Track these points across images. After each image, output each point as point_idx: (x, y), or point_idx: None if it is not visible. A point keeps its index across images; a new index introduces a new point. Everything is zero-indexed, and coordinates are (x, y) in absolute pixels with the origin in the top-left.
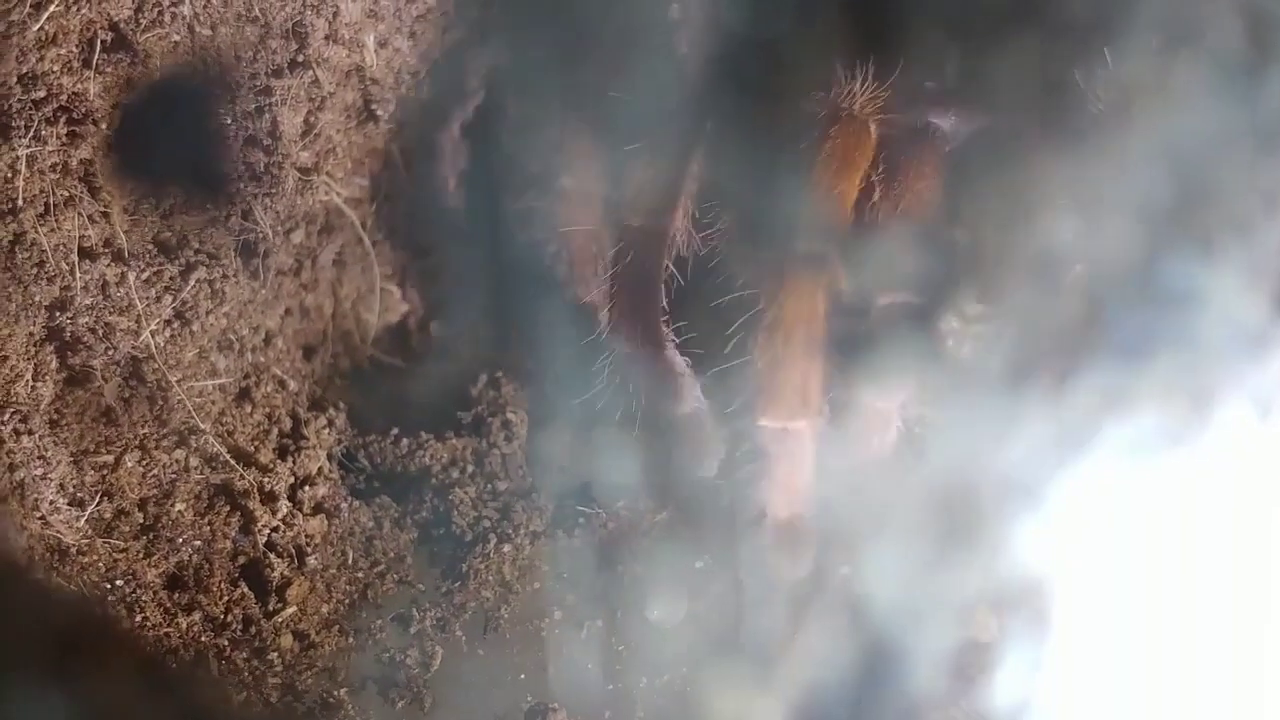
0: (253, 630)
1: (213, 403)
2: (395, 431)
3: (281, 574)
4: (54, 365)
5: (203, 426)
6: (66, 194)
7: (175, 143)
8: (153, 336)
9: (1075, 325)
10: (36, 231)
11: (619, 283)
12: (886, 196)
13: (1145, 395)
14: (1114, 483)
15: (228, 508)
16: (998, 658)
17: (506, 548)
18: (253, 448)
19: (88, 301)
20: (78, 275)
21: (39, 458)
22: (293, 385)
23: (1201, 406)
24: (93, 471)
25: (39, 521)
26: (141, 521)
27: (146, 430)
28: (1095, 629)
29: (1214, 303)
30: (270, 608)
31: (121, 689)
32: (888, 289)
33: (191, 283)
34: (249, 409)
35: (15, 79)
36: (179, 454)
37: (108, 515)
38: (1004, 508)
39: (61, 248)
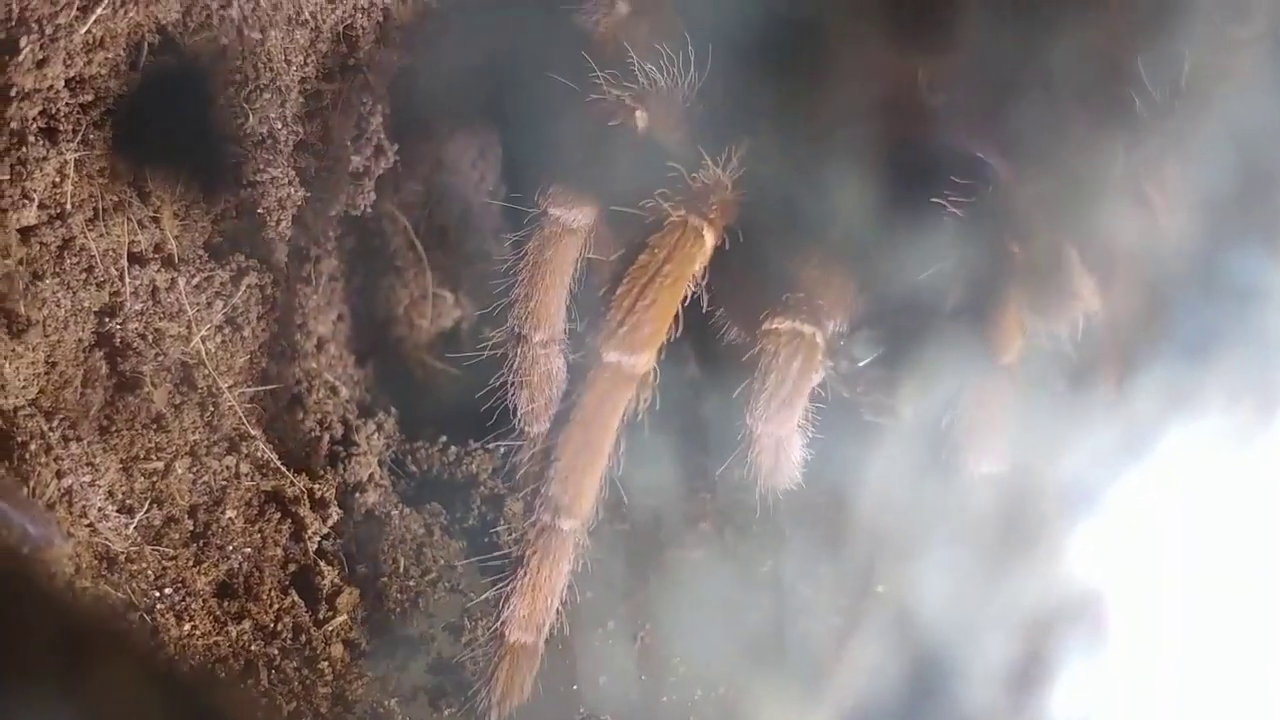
0: (303, 639)
1: (264, 409)
2: (444, 439)
3: (332, 582)
4: (104, 371)
5: (254, 433)
6: (116, 199)
7: (226, 147)
8: (203, 342)
9: (1137, 323)
10: (85, 236)
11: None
12: None
13: (1210, 395)
14: (1178, 488)
15: (278, 515)
16: (1055, 671)
17: None
18: (304, 454)
19: (137, 307)
20: (127, 280)
21: (87, 464)
22: (344, 392)
23: (1269, 406)
24: (142, 478)
25: (87, 528)
26: (191, 529)
27: (197, 436)
28: (1156, 642)
29: None
30: (321, 616)
31: (169, 699)
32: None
33: (243, 288)
34: (300, 415)
35: (63, 83)
36: (230, 460)
37: (157, 522)
38: (1063, 515)
39: (111, 253)
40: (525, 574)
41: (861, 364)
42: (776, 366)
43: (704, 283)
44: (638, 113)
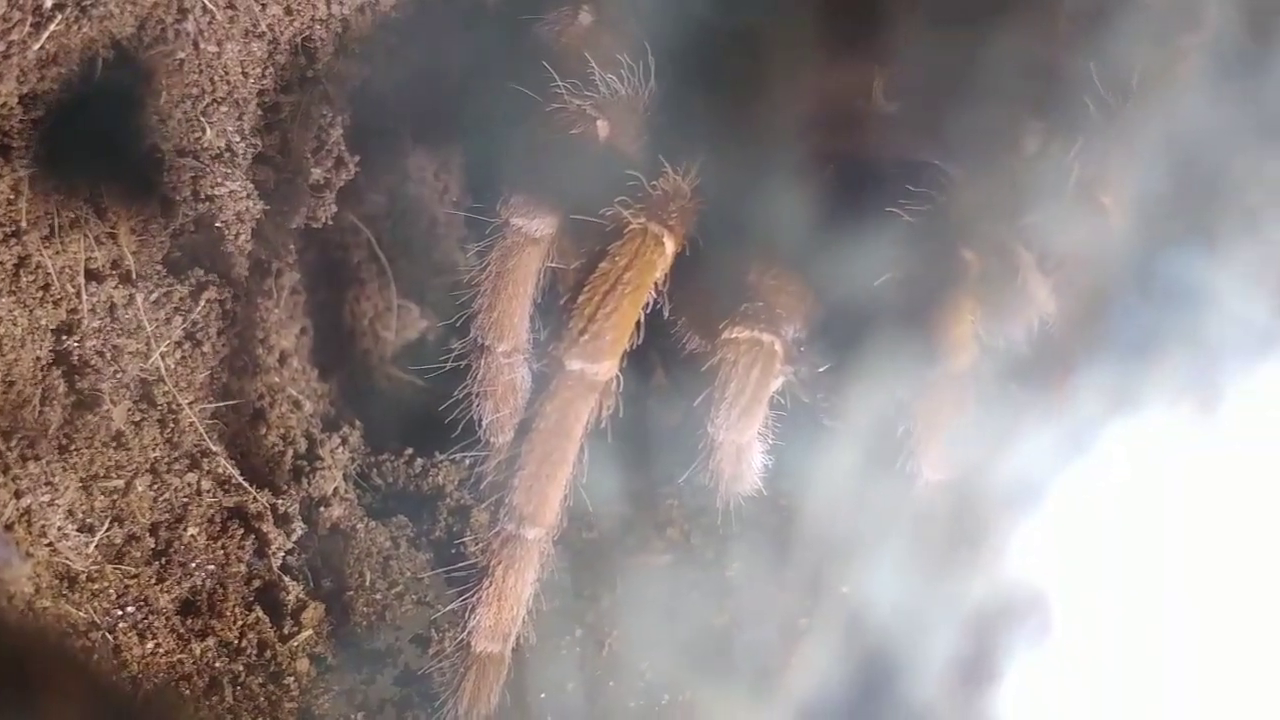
0: (268, 655)
1: (226, 425)
2: (409, 451)
3: (297, 597)
4: (62, 389)
5: (215, 449)
6: (72, 215)
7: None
8: (163, 359)
9: (1078, 324)
10: (41, 254)
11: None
12: None
13: (1151, 395)
14: (1120, 485)
15: (241, 531)
16: (1003, 667)
17: None
18: (267, 469)
19: (95, 324)
20: (85, 298)
21: (46, 483)
22: (308, 406)
23: (1209, 406)
24: (103, 496)
25: (47, 548)
26: (153, 546)
27: (158, 454)
28: (1101, 636)
29: (1220, 299)
30: (286, 631)
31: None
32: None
33: (202, 303)
34: (263, 430)
35: (16, 99)
36: (191, 477)
37: (118, 540)
38: (1007, 513)
39: (68, 270)
40: (491, 584)
41: (820, 370)
42: (736, 375)
43: (665, 290)
44: (599, 122)
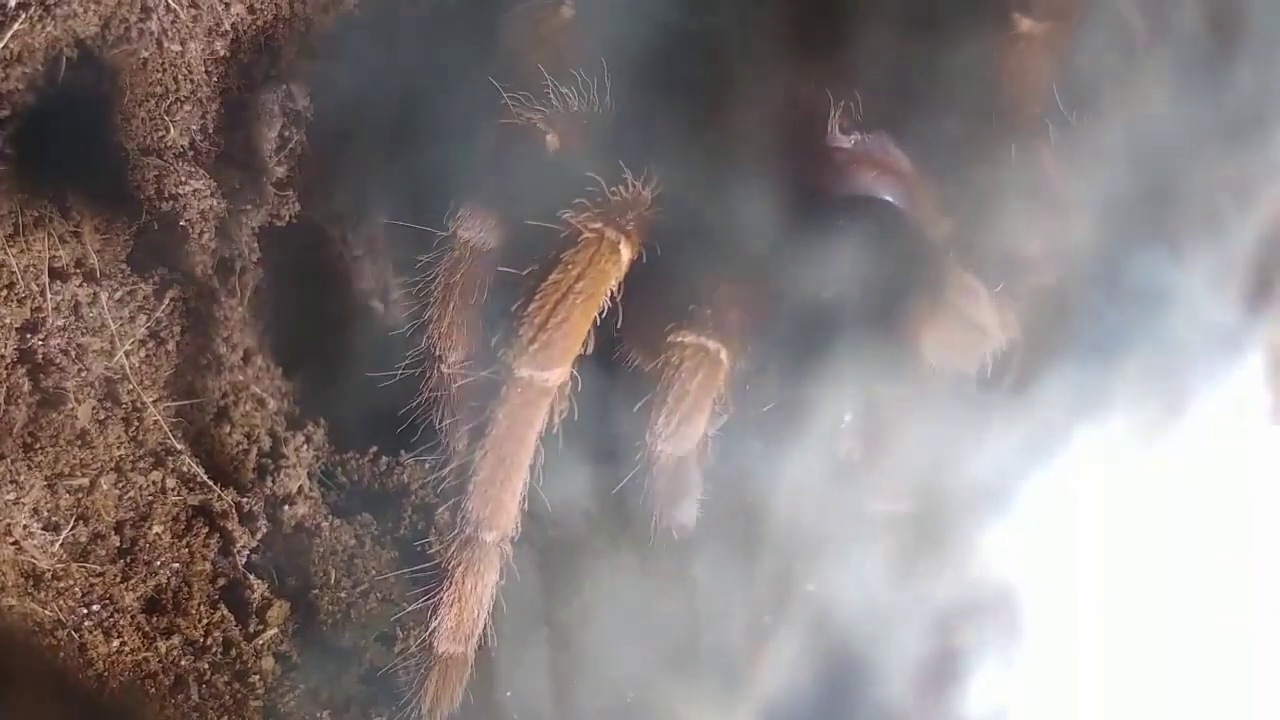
0: (233, 653)
1: (190, 423)
2: (374, 449)
3: (262, 595)
4: (26, 388)
5: (179, 447)
6: (36, 214)
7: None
8: (127, 357)
9: (1042, 326)
10: (6, 253)
11: None
12: None
13: (1116, 397)
14: (1085, 487)
15: (206, 529)
16: (969, 667)
17: None
18: (231, 467)
19: (59, 323)
20: (49, 296)
21: (11, 482)
22: (272, 404)
23: (1173, 408)
24: (68, 495)
25: (12, 546)
26: (118, 545)
27: (122, 452)
28: (1068, 635)
29: (1184, 301)
30: (251, 630)
31: (98, 716)
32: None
33: (166, 302)
34: (227, 429)
35: None
36: (156, 475)
37: (83, 539)
38: (972, 514)
39: (32, 269)
40: (451, 586)
41: (767, 387)
42: (679, 379)
43: (619, 299)
44: (549, 136)
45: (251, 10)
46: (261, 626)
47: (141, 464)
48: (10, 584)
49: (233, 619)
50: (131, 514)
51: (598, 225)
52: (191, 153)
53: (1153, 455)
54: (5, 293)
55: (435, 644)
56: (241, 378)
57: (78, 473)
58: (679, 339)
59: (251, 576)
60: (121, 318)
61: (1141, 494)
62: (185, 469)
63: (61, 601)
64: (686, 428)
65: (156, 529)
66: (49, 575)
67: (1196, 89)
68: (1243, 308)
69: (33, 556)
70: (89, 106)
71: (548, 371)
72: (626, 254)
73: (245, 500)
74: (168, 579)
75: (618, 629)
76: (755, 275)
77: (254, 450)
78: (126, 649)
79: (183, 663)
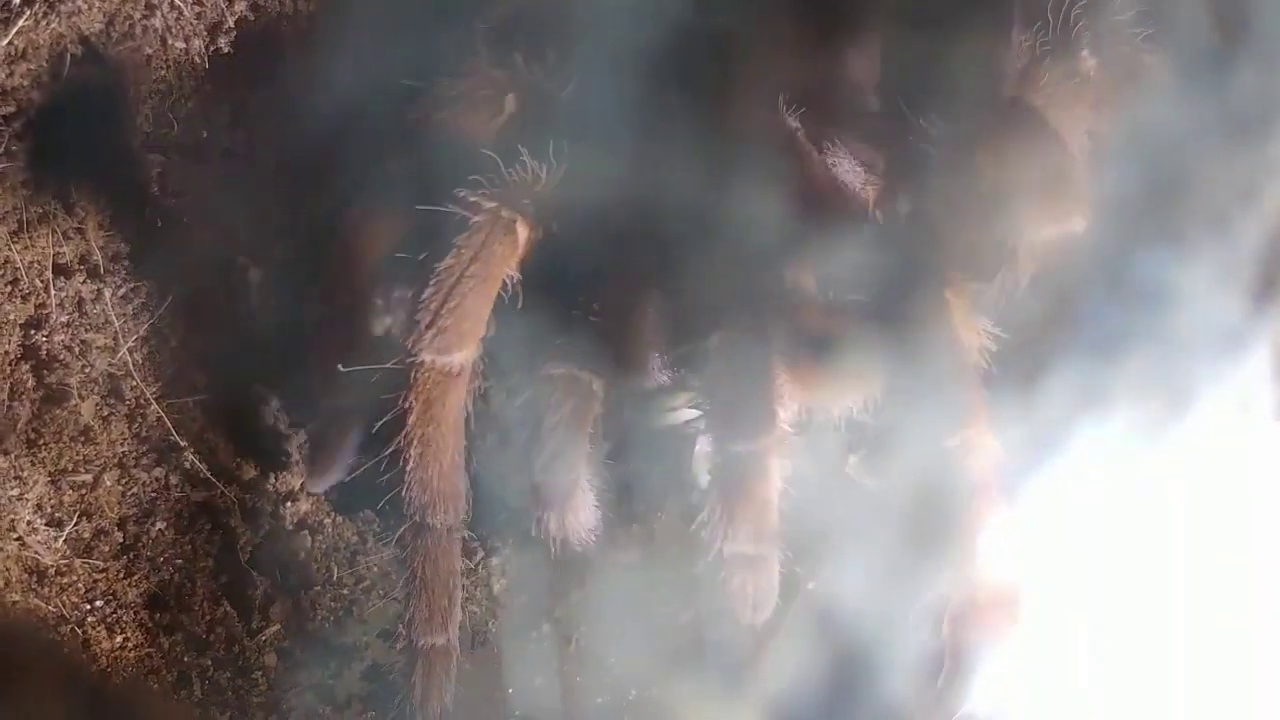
0: (236, 649)
1: (194, 419)
2: (376, 445)
3: (265, 591)
4: (30, 384)
5: (183, 444)
6: (40, 210)
7: (151, 157)
8: (130, 354)
9: (1045, 323)
10: (10, 249)
11: None
12: None
13: (1119, 394)
14: (1088, 484)
15: (209, 526)
16: (972, 665)
17: (494, 560)
18: (234, 464)
19: (64, 319)
20: (53, 293)
21: (15, 478)
22: (275, 400)
23: (1178, 405)
24: (71, 491)
25: (16, 542)
26: (121, 541)
27: (126, 448)
28: (1071, 633)
29: (1188, 299)
30: (254, 626)
31: (102, 712)
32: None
33: (169, 298)
34: (230, 425)
35: None
36: (159, 472)
37: (87, 535)
38: (975, 512)
39: (36, 265)
40: (413, 577)
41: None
42: (551, 408)
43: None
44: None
45: (254, 8)
46: (264, 623)
47: (145, 460)
48: (14, 579)
49: (235, 615)
50: (135, 510)
51: (492, 205)
52: (195, 150)
53: (1156, 453)
54: (9, 289)
55: (414, 637)
56: (244, 374)
57: (81, 469)
58: (552, 372)
59: (254, 573)
60: (125, 314)
61: (1144, 492)
62: (188, 465)
63: (65, 597)
64: (561, 461)
65: (159, 525)
66: (52, 571)
67: (1201, 86)
68: (1247, 305)
69: (36, 552)
70: (93, 103)
71: (449, 356)
72: (524, 233)
73: (248, 497)
74: (171, 575)
75: (620, 625)
76: (655, 296)
77: (257, 447)
78: (130, 645)
79: (185, 659)
